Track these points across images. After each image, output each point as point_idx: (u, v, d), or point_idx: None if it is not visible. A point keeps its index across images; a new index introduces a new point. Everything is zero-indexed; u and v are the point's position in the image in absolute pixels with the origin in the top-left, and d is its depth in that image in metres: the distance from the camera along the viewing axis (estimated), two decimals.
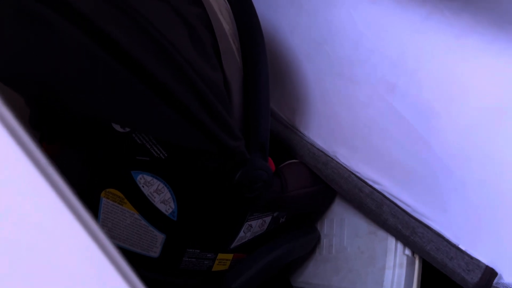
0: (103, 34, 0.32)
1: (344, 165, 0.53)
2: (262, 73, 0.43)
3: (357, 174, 0.52)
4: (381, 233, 0.51)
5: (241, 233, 0.52)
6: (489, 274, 0.41)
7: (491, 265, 0.42)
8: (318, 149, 0.56)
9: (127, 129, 0.40)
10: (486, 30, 0.41)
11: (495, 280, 0.41)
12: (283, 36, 0.57)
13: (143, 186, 0.42)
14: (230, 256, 0.53)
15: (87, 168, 0.42)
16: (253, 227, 0.53)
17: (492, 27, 0.41)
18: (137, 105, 0.36)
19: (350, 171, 0.53)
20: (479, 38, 0.41)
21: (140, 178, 0.42)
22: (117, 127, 0.40)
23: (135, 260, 0.46)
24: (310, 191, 0.55)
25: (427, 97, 0.45)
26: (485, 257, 0.42)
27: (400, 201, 0.49)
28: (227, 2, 0.41)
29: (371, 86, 0.49)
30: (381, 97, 0.48)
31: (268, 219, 0.55)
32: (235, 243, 0.52)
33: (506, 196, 0.41)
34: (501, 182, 0.41)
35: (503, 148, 0.41)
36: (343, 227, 0.58)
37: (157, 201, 0.43)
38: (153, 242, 0.46)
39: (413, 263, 0.48)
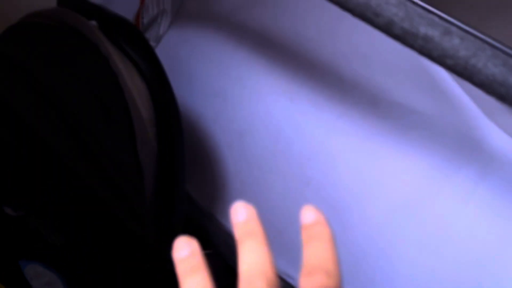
0: (7, 106, 0.31)
1: None
2: (178, 161, 0.43)
3: None
4: None
5: None
6: None
7: None
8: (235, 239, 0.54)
9: (20, 213, 0.37)
10: (390, 133, 0.45)
11: None
12: (206, 124, 0.57)
13: (31, 279, 0.38)
14: None
15: None
16: None
17: (395, 130, 0.44)
18: (34, 180, 0.34)
19: None
20: (384, 141, 0.45)
21: (29, 269, 0.38)
22: (9, 211, 0.37)
23: None
24: (222, 286, 0.52)
25: (340, 193, 0.47)
26: None
27: None
28: (147, 88, 0.42)
29: (288, 179, 0.50)
30: (297, 190, 0.49)
31: None
32: None
33: None
34: (407, 281, 0.42)
35: (409, 244, 0.43)
36: None
37: None
38: None
39: None
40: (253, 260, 0.17)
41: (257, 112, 0.53)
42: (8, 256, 0.38)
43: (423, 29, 0.29)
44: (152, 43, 0.55)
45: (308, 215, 0.19)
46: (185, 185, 0.45)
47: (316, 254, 0.17)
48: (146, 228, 0.39)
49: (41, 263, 0.38)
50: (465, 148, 0.41)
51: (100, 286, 0.41)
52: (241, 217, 0.18)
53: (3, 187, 0.36)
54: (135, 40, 0.41)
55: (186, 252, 0.18)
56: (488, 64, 0.29)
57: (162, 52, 0.45)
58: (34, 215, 0.37)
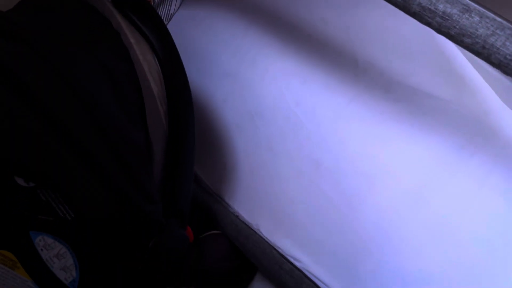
0: (19, 80, 0.31)
1: (267, 240, 0.52)
2: (188, 138, 0.42)
3: (279, 250, 0.51)
4: None
5: None
6: None
7: None
8: (241, 221, 0.54)
9: (31, 184, 0.37)
10: (403, 118, 0.44)
11: None
12: (216, 105, 0.57)
13: (41, 249, 0.38)
14: None
15: None
16: None
17: (408, 115, 0.43)
18: (45, 153, 0.34)
19: (272, 246, 0.51)
20: (396, 126, 0.44)
21: (40, 240, 0.38)
22: (20, 181, 0.37)
23: None
24: (228, 266, 0.52)
25: (349, 178, 0.46)
26: None
27: (320, 280, 0.47)
28: (158, 64, 0.41)
29: (297, 162, 0.50)
30: (306, 174, 0.49)
31: None
32: None
33: (419, 284, 0.41)
34: (415, 268, 0.42)
35: (417, 232, 0.42)
36: None
37: (56, 267, 0.39)
38: None
39: None
40: None
41: (268, 93, 0.52)
42: (19, 226, 0.38)
43: (442, 6, 0.28)
44: None
45: None
46: (194, 165, 0.45)
47: None
48: (153, 203, 0.39)
49: (52, 235, 0.38)
50: (480, 134, 0.40)
51: (110, 262, 0.42)
52: None
53: (13, 158, 0.36)
54: (147, 16, 0.41)
55: None
56: (507, 43, 0.28)
57: (172, 30, 0.44)
58: (44, 188, 0.37)
